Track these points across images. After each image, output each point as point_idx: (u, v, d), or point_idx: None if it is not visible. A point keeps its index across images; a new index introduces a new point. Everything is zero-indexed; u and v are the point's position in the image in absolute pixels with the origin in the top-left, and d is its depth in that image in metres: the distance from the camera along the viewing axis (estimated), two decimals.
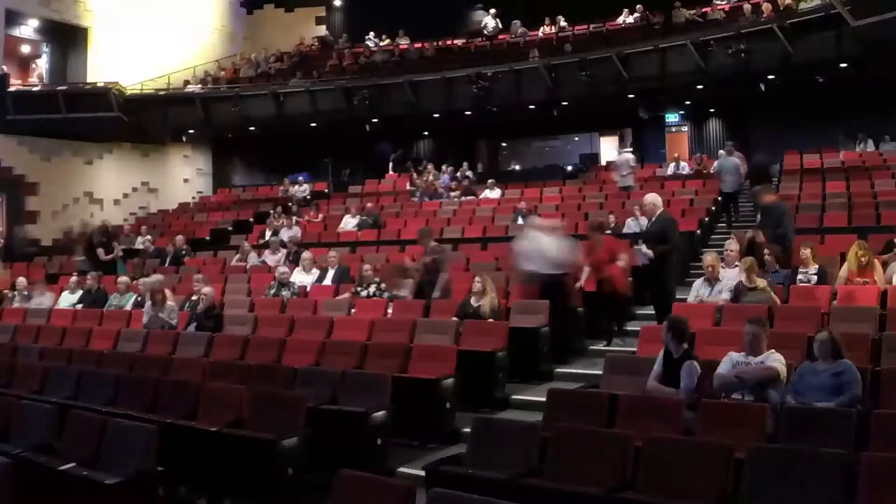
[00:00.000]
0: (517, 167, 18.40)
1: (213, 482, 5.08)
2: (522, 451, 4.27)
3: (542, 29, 18.35)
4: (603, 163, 18.61)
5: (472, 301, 7.30)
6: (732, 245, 7.70)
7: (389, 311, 7.99)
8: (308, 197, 16.47)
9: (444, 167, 16.92)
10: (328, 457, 4.63)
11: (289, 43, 20.74)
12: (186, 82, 18.43)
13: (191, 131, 18.43)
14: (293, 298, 8.90)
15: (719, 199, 12.52)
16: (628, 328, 7.87)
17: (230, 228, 15.09)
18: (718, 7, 16.44)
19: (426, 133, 20.20)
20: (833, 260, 7.76)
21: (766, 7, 14.40)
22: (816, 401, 4.53)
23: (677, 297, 7.46)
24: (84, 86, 17.04)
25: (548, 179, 16.46)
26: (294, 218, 13.93)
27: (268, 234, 13.25)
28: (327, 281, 9.47)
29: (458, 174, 16.55)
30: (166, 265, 12.38)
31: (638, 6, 17.32)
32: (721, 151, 13.09)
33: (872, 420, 4.13)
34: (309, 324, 7.83)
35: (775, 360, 4.82)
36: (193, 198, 18.98)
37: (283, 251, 11.48)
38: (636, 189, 13.06)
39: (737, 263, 7.42)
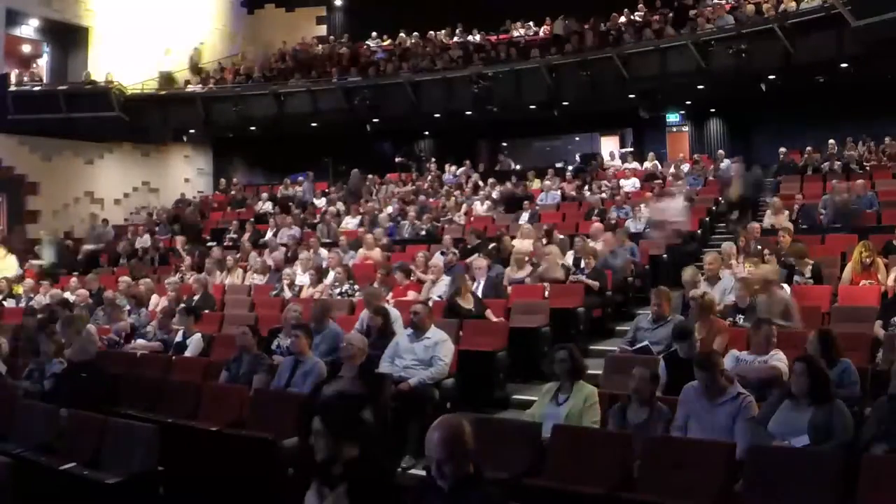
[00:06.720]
0: (518, 167, 18.33)
1: (213, 482, 5.07)
2: (522, 451, 4.26)
3: (542, 29, 18.33)
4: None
5: (461, 302, 7.22)
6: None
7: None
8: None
9: (447, 166, 16.93)
10: None
11: (289, 43, 20.72)
12: (187, 82, 18.43)
13: (191, 131, 18.42)
14: (293, 298, 8.89)
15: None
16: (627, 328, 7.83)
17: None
18: (719, 7, 16.39)
19: (427, 133, 20.18)
20: (833, 260, 7.76)
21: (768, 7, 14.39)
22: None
23: None
24: (85, 85, 17.03)
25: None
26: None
27: (269, 234, 13.24)
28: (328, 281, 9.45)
29: (459, 173, 16.54)
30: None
31: (639, 6, 17.31)
32: None
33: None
34: None
35: (778, 361, 4.82)
36: (194, 197, 18.95)
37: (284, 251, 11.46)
38: None
39: (732, 267, 7.37)
